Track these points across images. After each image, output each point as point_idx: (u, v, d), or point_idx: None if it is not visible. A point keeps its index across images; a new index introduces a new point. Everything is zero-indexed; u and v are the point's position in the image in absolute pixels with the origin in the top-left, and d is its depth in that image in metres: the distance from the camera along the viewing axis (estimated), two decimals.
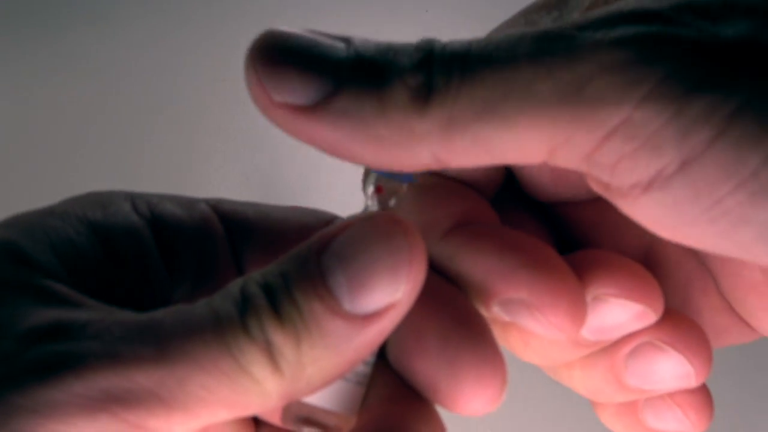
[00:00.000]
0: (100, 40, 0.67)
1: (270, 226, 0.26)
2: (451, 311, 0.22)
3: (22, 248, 0.21)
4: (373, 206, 0.22)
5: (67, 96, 0.66)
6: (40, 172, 0.65)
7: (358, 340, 0.19)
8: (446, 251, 0.23)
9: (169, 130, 0.66)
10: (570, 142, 0.19)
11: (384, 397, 0.22)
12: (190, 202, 0.25)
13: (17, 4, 0.67)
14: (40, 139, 0.66)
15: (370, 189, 0.22)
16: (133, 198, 0.24)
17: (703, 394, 0.25)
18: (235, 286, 0.20)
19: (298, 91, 0.19)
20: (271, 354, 0.19)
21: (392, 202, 0.23)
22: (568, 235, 0.27)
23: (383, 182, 0.22)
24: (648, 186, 0.19)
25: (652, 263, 0.26)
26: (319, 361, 0.19)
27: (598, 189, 0.21)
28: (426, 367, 0.22)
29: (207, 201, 0.26)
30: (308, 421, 0.22)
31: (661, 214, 0.20)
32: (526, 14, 0.26)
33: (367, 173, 0.23)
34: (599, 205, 0.26)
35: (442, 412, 0.22)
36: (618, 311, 0.23)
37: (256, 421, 0.25)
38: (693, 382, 0.24)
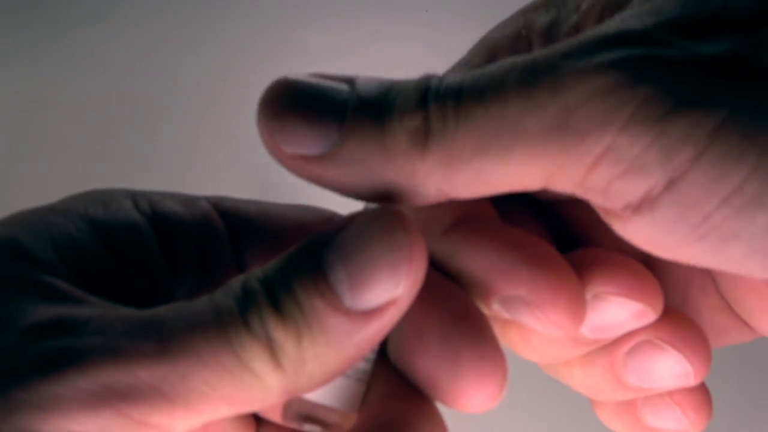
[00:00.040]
0: (101, 40, 0.67)
1: (271, 224, 0.26)
2: (451, 308, 0.22)
3: (23, 245, 0.21)
4: (372, 204, 0.23)
5: (69, 95, 0.66)
6: (42, 171, 0.65)
7: (358, 336, 0.19)
8: (446, 248, 0.23)
9: (170, 129, 0.66)
10: (562, 170, 0.20)
11: (385, 394, 0.22)
12: (191, 200, 0.25)
13: (18, 4, 0.67)
14: (41, 138, 0.66)
15: None
16: (134, 196, 0.24)
17: (702, 393, 0.25)
18: (236, 282, 0.20)
19: (306, 143, 0.20)
20: (272, 350, 0.19)
21: None
22: (569, 233, 0.27)
23: None
24: (638, 207, 0.20)
25: (651, 262, 0.26)
26: (320, 357, 0.19)
27: (600, 213, 0.21)
28: (426, 363, 0.22)
29: (208, 199, 0.26)
30: (309, 418, 0.22)
31: (653, 234, 0.20)
32: (525, 13, 0.26)
33: None
34: None
35: (444, 409, 0.22)
36: (617, 309, 0.23)
37: (257, 419, 0.25)
38: (692, 381, 0.24)
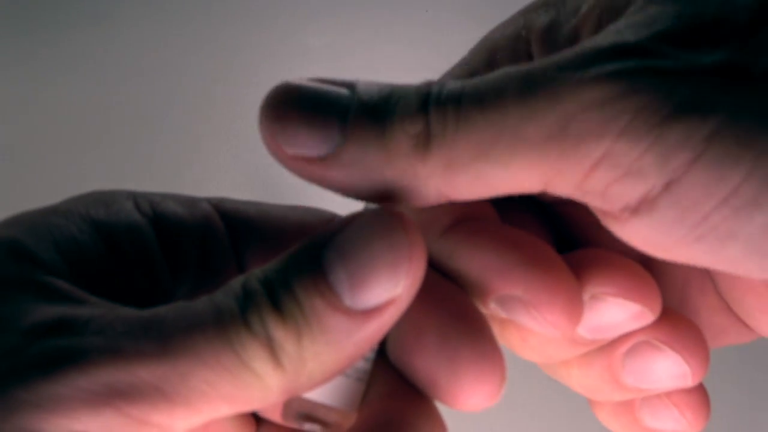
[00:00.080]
0: (102, 41, 0.67)
1: (271, 225, 0.26)
2: (450, 307, 0.22)
3: (25, 246, 0.21)
4: (372, 205, 0.23)
5: (70, 96, 0.67)
6: (43, 172, 0.65)
7: (358, 335, 0.19)
8: (445, 248, 0.23)
9: (171, 130, 0.66)
10: (561, 174, 0.20)
11: (384, 394, 0.22)
12: (191, 201, 0.25)
13: (19, 4, 0.68)
14: (42, 139, 0.66)
15: None
16: (135, 197, 0.25)
17: (700, 394, 0.25)
18: (236, 282, 0.20)
19: (308, 145, 0.21)
20: (272, 349, 0.19)
21: None
22: (568, 234, 0.27)
23: None
24: (636, 209, 0.20)
25: (650, 263, 0.26)
26: (319, 356, 0.19)
27: (597, 214, 0.22)
28: (425, 363, 0.22)
29: (209, 200, 0.26)
30: (309, 417, 0.22)
31: (651, 235, 0.20)
32: (525, 13, 0.26)
33: None
34: None
35: (443, 409, 0.23)
36: (615, 310, 0.24)
37: (257, 419, 0.25)
38: (689, 381, 0.24)
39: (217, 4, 0.68)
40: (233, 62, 0.66)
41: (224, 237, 0.25)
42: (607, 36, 0.20)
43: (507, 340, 0.25)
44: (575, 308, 0.22)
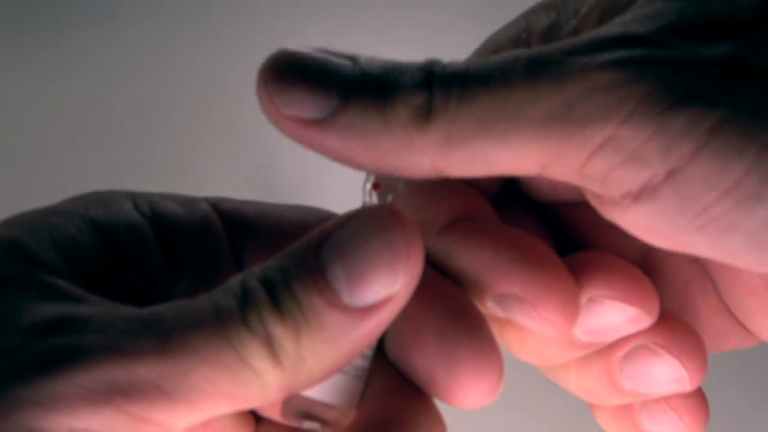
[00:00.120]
0: (102, 42, 0.67)
1: (269, 224, 0.26)
2: (448, 305, 0.22)
3: (25, 245, 0.21)
4: (371, 203, 0.23)
5: (70, 96, 0.67)
6: (44, 172, 0.65)
7: (356, 332, 0.20)
8: (443, 246, 0.23)
9: (170, 130, 0.66)
10: (561, 157, 0.20)
11: (382, 391, 0.22)
12: (190, 201, 0.26)
13: (19, 4, 0.68)
14: (42, 139, 0.67)
15: (368, 186, 0.23)
16: (134, 197, 0.25)
17: (699, 398, 0.25)
18: (235, 281, 0.20)
19: (306, 105, 0.20)
20: (271, 347, 0.19)
21: (389, 199, 0.23)
22: (568, 236, 0.27)
23: (380, 179, 0.23)
24: (637, 196, 0.20)
25: (650, 266, 0.26)
26: (318, 353, 0.19)
27: (593, 201, 0.22)
28: (423, 360, 0.22)
29: (207, 200, 0.26)
30: (308, 415, 0.22)
31: (651, 223, 0.20)
32: (526, 16, 0.26)
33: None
34: None
35: (442, 407, 0.23)
36: (613, 313, 0.23)
37: (256, 417, 0.25)
38: (687, 386, 0.24)
39: (218, 4, 0.68)
40: (233, 62, 0.66)
41: (223, 236, 0.25)
42: (614, 26, 0.20)
43: (505, 341, 0.25)
44: (571, 307, 0.22)
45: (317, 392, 0.22)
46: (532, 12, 0.26)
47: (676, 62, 0.19)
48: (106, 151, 0.66)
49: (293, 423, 0.22)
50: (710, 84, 0.19)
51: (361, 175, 0.23)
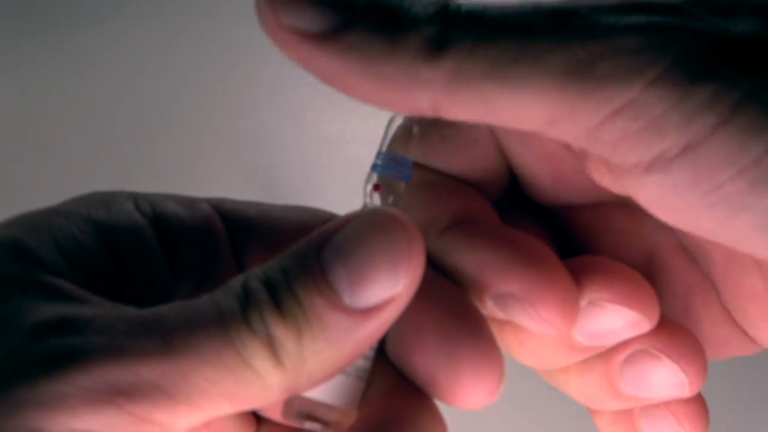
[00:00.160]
0: (103, 42, 0.67)
1: (270, 225, 0.26)
2: (449, 306, 0.22)
3: (27, 246, 0.21)
4: (372, 204, 0.23)
5: (71, 97, 0.67)
6: (44, 172, 0.65)
7: (358, 333, 0.20)
8: (444, 247, 0.24)
9: (171, 130, 0.66)
10: (573, 114, 0.19)
11: (384, 392, 0.22)
12: (191, 202, 0.26)
13: (20, 4, 0.68)
14: (43, 140, 0.67)
15: (369, 187, 0.23)
16: (135, 197, 0.25)
17: (699, 403, 0.25)
18: (236, 281, 0.20)
19: (309, 16, 0.19)
20: (272, 347, 0.19)
21: (390, 200, 0.23)
22: (570, 240, 0.27)
23: (381, 180, 0.23)
24: (649, 166, 0.20)
25: (653, 271, 0.26)
26: (320, 354, 0.19)
27: (595, 169, 0.21)
28: (425, 361, 0.22)
29: (209, 200, 0.26)
30: (309, 415, 0.22)
31: (660, 196, 0.20)
32: None
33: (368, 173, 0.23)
34: (602, 210, 0.26)
35: (443, 408, 0.23)
36: (613, 317, 0.23)
37: (257, 418, 0.25)
38: (687, 391, 0.24)
39: (218, 4, 0.68)
40: (234, 62, 0.66)
41: (224, 237, 0.25)
42: None
43: (505, 343, 0.25)
44: (571, 306, 0.22)
45: (319, 393, 0.22)
46: None
47: (704, 34, 0.19)
48: (107, 152, 0.66)
49: (295, 424, 0.22)
50: (736, 60, 0.19)
51: (362, 176, 0.23)
